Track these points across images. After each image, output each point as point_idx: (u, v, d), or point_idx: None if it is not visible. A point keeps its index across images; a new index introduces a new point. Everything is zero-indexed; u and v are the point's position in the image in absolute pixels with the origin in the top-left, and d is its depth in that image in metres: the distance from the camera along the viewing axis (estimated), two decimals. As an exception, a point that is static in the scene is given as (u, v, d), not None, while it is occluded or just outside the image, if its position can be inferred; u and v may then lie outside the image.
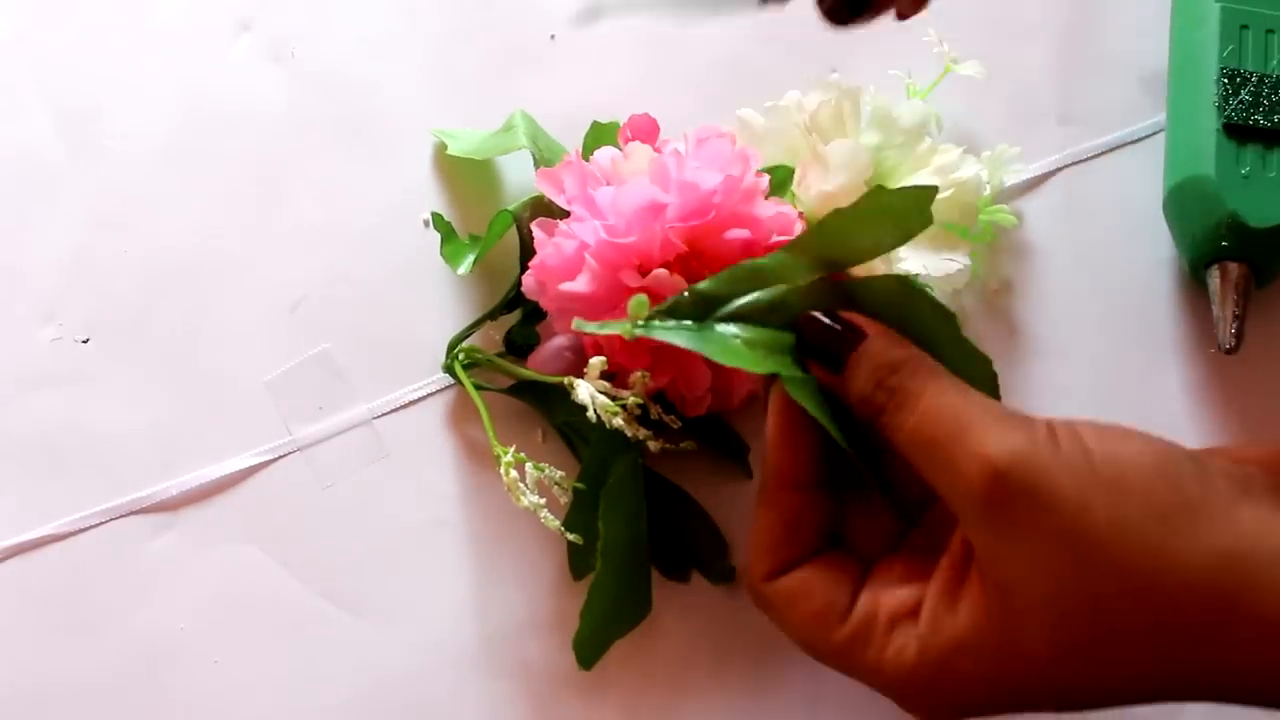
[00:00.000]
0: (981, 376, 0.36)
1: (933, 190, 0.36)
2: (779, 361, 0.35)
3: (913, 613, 0.32)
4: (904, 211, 0.36)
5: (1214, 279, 0.50)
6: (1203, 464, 0.30)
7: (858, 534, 0.36)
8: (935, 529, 0.35)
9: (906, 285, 0.36)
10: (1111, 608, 0.29)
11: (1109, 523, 0.29)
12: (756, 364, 0.35)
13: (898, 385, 0.33)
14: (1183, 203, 0.51)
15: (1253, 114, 0.50)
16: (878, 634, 0.32)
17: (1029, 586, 0.30)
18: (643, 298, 0.36)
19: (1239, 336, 0.49)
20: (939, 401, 0.32)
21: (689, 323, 0.36)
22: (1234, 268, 0.50)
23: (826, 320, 0.35)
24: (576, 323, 0.39)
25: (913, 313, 0.36)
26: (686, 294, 0.37)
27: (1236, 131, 0.50)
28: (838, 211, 0.36)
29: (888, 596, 0.33)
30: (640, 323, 0.37)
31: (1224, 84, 0.51)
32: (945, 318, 0.36)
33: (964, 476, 0.30)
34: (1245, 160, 0.50)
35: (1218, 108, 0.51)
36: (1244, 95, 0.50)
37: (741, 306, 0.36)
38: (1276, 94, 0.50)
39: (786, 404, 0.35)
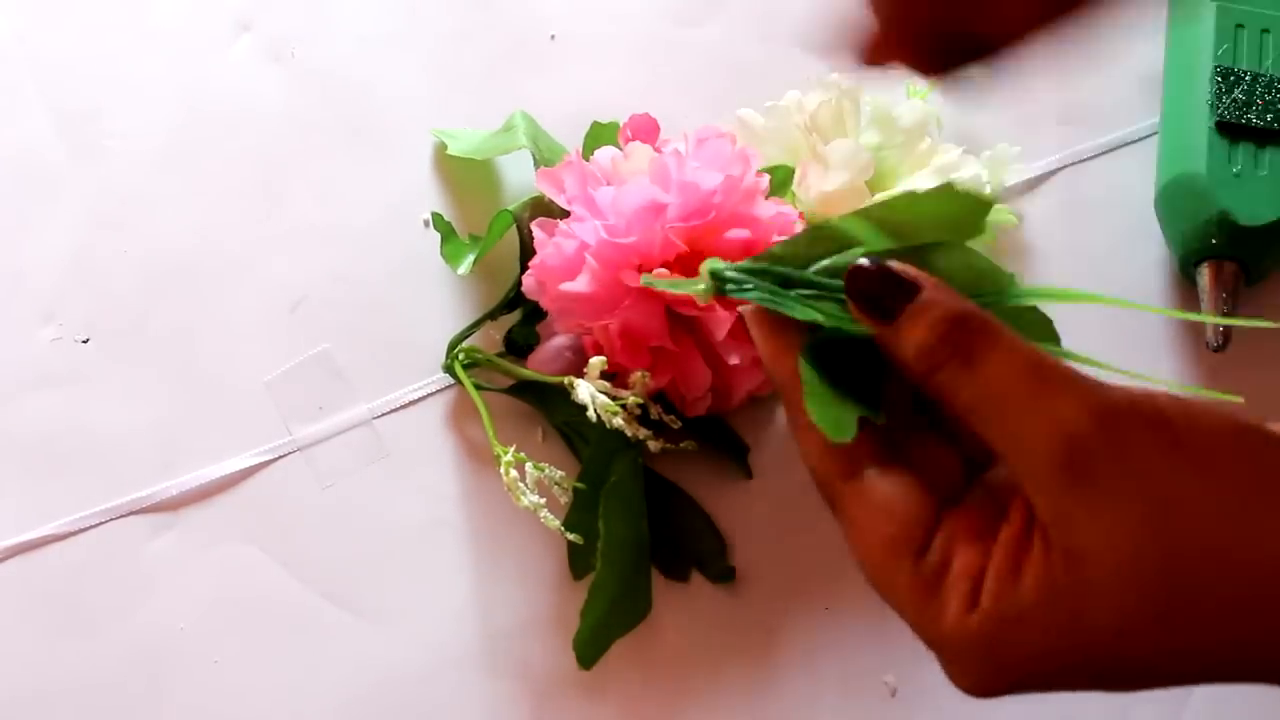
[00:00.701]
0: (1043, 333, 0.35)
1: (991, 203, 0.36)
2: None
3: (978, 578, 0.31)
4: (963, 214, 0.35)
5: (1203, 276, 0.50)
6: (1276, 441, 0.30)
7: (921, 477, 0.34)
8: (996, 492, 0.34)
9: (967, 251, 0.35)
10: (1190, 581, 0.29)
11: (1193, 496, 0.29)
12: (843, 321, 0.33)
13: (963, 340, 0.31)
14: (1174, 200, 0.51)
15: (1245, 113, 0.50)
16: (946, 588, 0.31)
17: (1104, 555, 0.29)
18: (716, 259, 0.35)
19: (1226, 334, 0.49)
20: (1010, 358, 0.31)
21: (771, 285, 0.34)
22: (1223, 266, 0.50)
23: (876, 267, 0.33)
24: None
25: (972, 276, 0.35)
26: (765, 258, 0.34)
27: (1229, 130, 0.50)
28: (909, 194, 0.36)
29: (963, 550, 0.31)
30: (725, 273, 0.34)
31: (1217, 82, 0.51)
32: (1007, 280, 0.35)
33: (1039, 438, 0.29)
34: (1237, 158, 0.50)
35: (1210, 106, 0.51)
36: (1237, 94, 0.51)
37: (815, 273, 0.34)
38: (1269, 93, 0.51)
39: (765, 319, 0.33)
